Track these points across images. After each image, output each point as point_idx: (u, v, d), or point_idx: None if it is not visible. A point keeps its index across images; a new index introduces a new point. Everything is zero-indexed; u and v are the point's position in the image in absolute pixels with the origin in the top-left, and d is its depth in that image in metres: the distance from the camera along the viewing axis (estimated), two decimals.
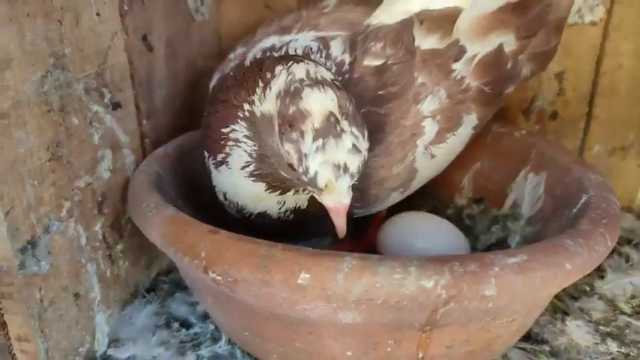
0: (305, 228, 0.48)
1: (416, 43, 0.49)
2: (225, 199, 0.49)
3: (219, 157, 0.47)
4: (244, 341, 0.47)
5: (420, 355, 0.41)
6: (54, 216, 0.44)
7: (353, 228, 0.54)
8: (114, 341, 0.52)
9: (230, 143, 0.45)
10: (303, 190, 0.44)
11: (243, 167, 0.45)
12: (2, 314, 0.42)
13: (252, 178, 0.45)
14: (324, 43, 0.50)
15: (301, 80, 0.39)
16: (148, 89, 0.58)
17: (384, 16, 0.52)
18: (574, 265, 0.38)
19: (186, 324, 0.54)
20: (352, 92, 0.46)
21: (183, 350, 0.51)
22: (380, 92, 0.47)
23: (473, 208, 0.66)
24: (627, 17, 0.67)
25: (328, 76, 0.41)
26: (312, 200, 0.45)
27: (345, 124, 0.38)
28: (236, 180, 0.46)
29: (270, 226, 0.48)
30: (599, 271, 0.62)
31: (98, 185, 0.50)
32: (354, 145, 0.38)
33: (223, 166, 0.47)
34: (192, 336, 0.53)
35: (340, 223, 0.40)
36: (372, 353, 0.41)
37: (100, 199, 0.50)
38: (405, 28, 0.50)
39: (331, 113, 0.38)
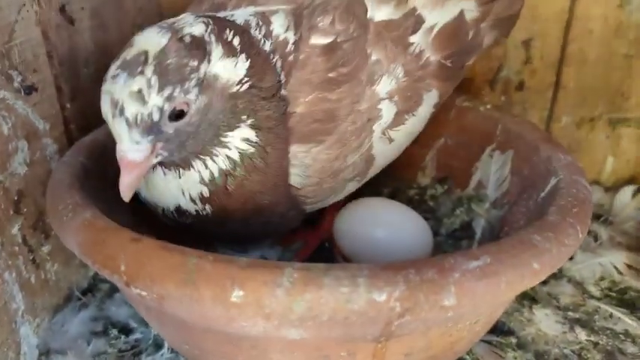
0: (242, 229, 0.43)
1: (369, 15, 0.44)
2: (140, 196, 0.44)
3: None
4: (186, 353, 0.42)
5: None
6: None
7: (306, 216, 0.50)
8: (43, 354, 0.47)
9: None
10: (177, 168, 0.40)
11: None
12: None
13: None
14: (264, 18, 0.43)
15: (171, 23, 0.37)
16: (70, 68, 0.52)
17: None
18: (542, 264, 0.34)
19: (125, 330, 0.50)
20: (299, 76, 0.41)
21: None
22: (330, 75, 0.41)
23: (436, 188, 0.62)
24: None
25: (198, 32, 0.37)
26: (218, 193, 0.41)
27: (149, 69, 0.34)
28: None
29: (203, 230, 0.43)
30: None
31: (12, 182, 0.44)
32: (139, 91, 0.34)
33: None
34: (132, 343, 0.48)
35: (122, 181, 0.36)
36: None
37: (15, 197, 0.44)
38: None
39: (145, 52, 0.35)
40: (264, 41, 0.41)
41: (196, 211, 0.41)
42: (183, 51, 0.35)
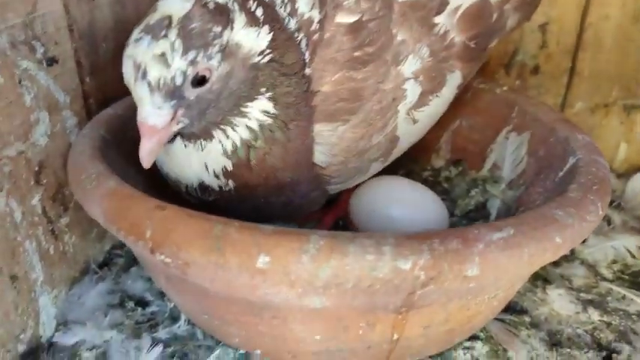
0: (264, 207, 0.43)
1: None
2: (164, 172, 0.44)
3: None
4: (204, 324, 0.43)
5: (395, 336, 0.37)
6: None
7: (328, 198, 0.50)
8: (61, 324, 0.47)
9: None
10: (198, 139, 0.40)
11: None
12: None
13: None
14: None
15: None
16: (90, 42, 0.52)
17: None
18: (564, 239, 0.34)
19: (142, 302, 0.50)
20: (324, 55, 0.41)
21: (139, 332, 0.47)
22: (355, 54, 0.41)
23: (450, 170, 0.62)
24: None
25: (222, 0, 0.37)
26: (240, 166, 0.41)
27: (173, 33, 0.34)
28: None
29: (225, 208, 0.43)
30: None
31: (33, 153, 0.44)
32: (163, 55, 0.34)
33: None
34: (148, 316, 0.49)
35: (142, 147, 0.36)
36: (343, 337, 0.37)
37: (36, 168, 0.45)
38: None
39: (169, 17, 0.35)
40: (289, 19, 0.41)
41: (219, 186, 0.41)
42: (207, 16, 0.35)
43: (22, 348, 0.43)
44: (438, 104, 0.47)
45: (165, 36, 0.34)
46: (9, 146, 0.41)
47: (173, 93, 0.35)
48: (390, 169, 0.60)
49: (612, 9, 0.65)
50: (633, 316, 0.49)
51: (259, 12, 0.39)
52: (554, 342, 0.47)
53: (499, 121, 0.57)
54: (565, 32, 0.67)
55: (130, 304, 0.50)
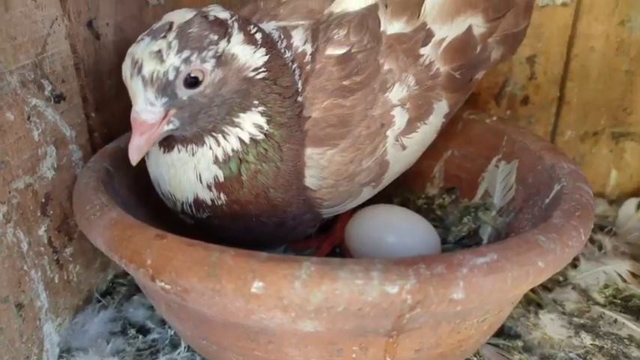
0: (256, 228, 0.45)
1: (381, 28, 0.46)
2: (162, 193, 0.46)
3: None
4: (203, 349, 0.44)
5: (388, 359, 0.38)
6: None
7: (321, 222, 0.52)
8: (65, 352, 0.49)
9: None
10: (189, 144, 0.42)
11: None
12: None
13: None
14: (285, 32, 0.46)
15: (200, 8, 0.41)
16: (96, 79, 0.54)
17: (348, 3, 0.48)
18: (547, 263, 0.36)
19: (143, 330, 0.51)
20: (315, 84, 0.44)
21: (140, 359, 0.48)
22: (344, 82, 0.44)
23: (444, 198, 0.64)
24: None
25: (222, 16, 0.41)
26: (232, 180, 0.43)
27: (172, 35, 0.38)
28: (152, 151, 0.44)
29: (218, 229, 0.45)
30: (573, 260, 0.60)
31: (41, 185, 0.46)
32: (159, 52, 0.37)
33: None
34: (149, 343, 0.50)
35: (132, 141, 0.39)
36: None
37: (43, 200, 0.47)
38: (369, 13, 0.47)
39: (170, 23, 0.39)
40: (285, 51, 0.44)
41: (212, 200, 0.43)
42: (205, 24, 0.39)
43: None
44: (426, 132, 0.49)
45: (164, 37, 0.38)
46: (18, 179, 0.43)
47: (165, 89, 0.38)
48: (386, 198, 0.62)
49: (596, 41, 0.68)
50: (625, 340, 0.50)
51: (258, 36, 0.42)
52: None
53: (489, 150, 0.59)
54: (552, 63, 0.69)
55: (132, 332, 0.51)
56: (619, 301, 0.55)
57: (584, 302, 0.55)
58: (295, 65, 0.44)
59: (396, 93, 0.46)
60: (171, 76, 0.37)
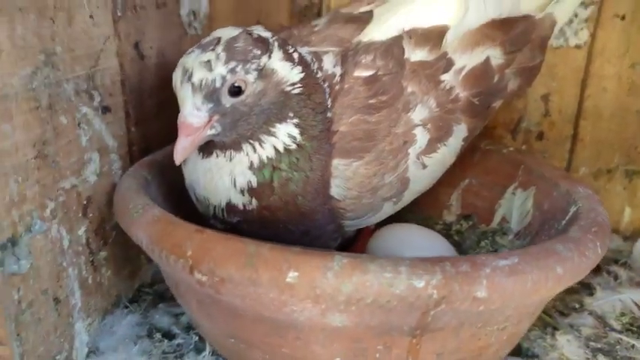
0: (283, 234, 0.47)
1: (405, 56, 0.50)
2: (196, 198, 0.48)
3: None
4: (229, 350, 0.45)
5: None
6: (37, 215, 0.43)
7: (342, 240, 0.54)
8: (92, 352, 0.50)
9: None
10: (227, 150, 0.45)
11: None
12: None
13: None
14: (317, 56, 0.50)
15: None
16: (138, 96, 0.58)
17: (375, 34, 0.52)
18: (565, 270, 0.38)
19: (168, 335, 0.53)
20: (343, 101, 0.47)
21: None
22: (370, 101, 0.47)
23: (461, 224, 0.66)
24: (610, 42, 0.69)
25: (265, 35, 0.45)
26: (264, 186, 0.45)
27: (220, 48, 0.42)
28: (190, 158, 0.47)
29: (249, 233, 0.47)
30: (589, 289, 0.62)
31: (84, 188, 0.49)
32: (208, 61, 0.41)
33: None
34: (174, 347, 0.51)
35: (178, 143, 0.42)
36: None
37: (85, 202, 0.49)
38: (395, 43, 0.51)
39: (219, 38, 0.43)
40: (317, 72, 0.47)
41: (243, 204, 0.45)
42: (249, 40, 0.43)
43: None
44: (446, 153, 0.52)
45: (213, 49, 0.42)
46: (65, 180, 0.46)
47: (211, 96, 0.41)
48: (405, 222, 0.64)
49: (609, 83, 0.71)
50: None
51: (295, 55, 0.46)
52: None
53: (506, 178, 0.62)
54: (566, 102, 0.73)
55: (158, 336, 0.53)
56: (635, 329, 0.56)
57: (600, 328, 0.56)
58: (326, 84, 0.48)
59: (418, 113, 0.49)
60: (218, 84, 0.41)
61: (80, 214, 0.49)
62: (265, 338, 0.41)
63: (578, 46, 0.70)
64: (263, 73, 0.43)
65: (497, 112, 0.66)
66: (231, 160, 0.45)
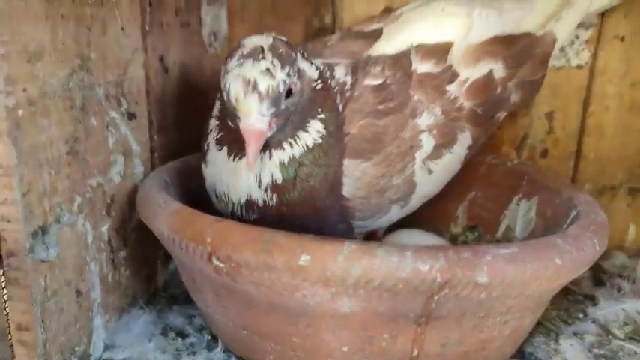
0: (301, 230, 0.49)
1: (412, 67, 0.54)
2: (216, 196, 0.50)
3: (204, 145, 0.50)
4: (241, 342, 0.47)
5: (415, 352, 0.41)
6: (65, 207, 0.46)
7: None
8: (109, 348, 0.52)
9: (210, 122, 0.50)
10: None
11: (213, 136, 0.49)
12: (5, 300, 0.43)
13: (218, 147, 0.48)
14: (329, 66, 0.54)
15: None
16: (160, 106, 0.62)
17: (384, 48, 0.56)
18: (563, 261, 0.39)
19: (182, 334, 0.55)
20: (353, 106, 0.50)
21: (180, 356, 0.51)
22: (379, 107, 0.50)
23: (467, 235, 0.68)
24: (611, 62, 0.72)
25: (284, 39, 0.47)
26: (288, 182, 0.47)
27: (268, 54, 0.43)
28: (212, 158, 0.49)
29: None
30: (592, 300, 0.63)
31: (109, 187, 0.52)
32: (267, 69, 0.42)
33: (206, 153, 0.50)
34: (187, 345, 0.53)
35: (250, 149, 0.42)
36: (368, 349, 0.41)
37: (109, 201, 0.52)
38: (403, 56, 0.54)
39: (260, 47, 0.44)
40: (330, 79, 0.51)
41: (263, 201, 0.47)
42: (285, 45, 0.46)
43: None
44: (451, 160, 0.54)
45: (264, 58, 0.43)
46: (92, 177, 0.49)
47: (276, 100, 0.43)
48: None
49: (611, 101, 0.74)
50: None
51: (310, 59, 0.49)
52: None
53: (511, 190, 0.64)
54: (569, 120, 0.75)
55: (172, 334, 0.54)
56: (638, 337, 0.57)
57: (604, 336, 0.57)
58: (337, 91, 0.51)
59: (425, 120, 0.52)
60: (281, 88, 0.43)
61: (104, 212, 0.52)
62: (277, 327, 0.43)
63: (579, 66, 0.73)
64: (300, 74, 0.46)
65: (503, 129, 0.70)
66: (261, 158, 0.47)
